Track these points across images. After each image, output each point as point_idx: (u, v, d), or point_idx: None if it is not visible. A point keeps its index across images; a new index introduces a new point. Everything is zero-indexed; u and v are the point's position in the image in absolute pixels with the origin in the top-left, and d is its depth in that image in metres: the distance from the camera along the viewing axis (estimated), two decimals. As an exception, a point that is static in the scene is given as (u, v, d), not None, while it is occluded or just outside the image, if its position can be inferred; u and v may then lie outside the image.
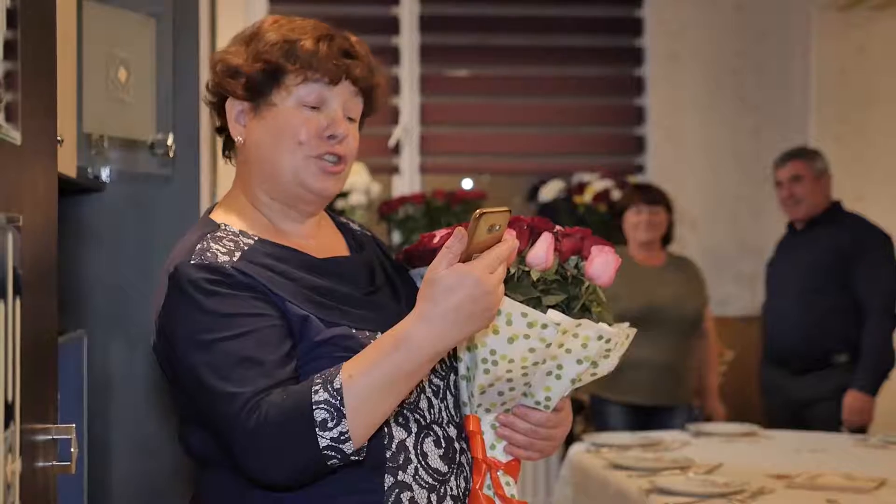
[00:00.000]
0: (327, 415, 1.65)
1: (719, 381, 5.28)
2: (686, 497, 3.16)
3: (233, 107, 1.93)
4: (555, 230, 1.90)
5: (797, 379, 4.82)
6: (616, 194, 5.68)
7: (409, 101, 5.92)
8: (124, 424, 2.97)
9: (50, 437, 1.60)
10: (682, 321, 4.93)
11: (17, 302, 1.40)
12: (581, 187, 5.85)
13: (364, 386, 1.66)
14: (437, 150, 6.02)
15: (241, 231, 1.90)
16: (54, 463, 1.62)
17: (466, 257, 1.69)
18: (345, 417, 1.65)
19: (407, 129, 5.93)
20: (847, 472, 3.44)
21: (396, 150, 5.94)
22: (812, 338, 4.77)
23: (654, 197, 5.03)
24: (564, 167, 6.04)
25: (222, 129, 1.98)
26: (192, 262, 1.80)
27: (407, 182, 5.96)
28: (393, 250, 5.38)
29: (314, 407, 1.65)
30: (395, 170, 5.96)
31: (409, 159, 5.96)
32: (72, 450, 1.62)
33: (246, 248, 1.86)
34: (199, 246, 1.83)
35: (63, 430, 1.63)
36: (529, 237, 1.87)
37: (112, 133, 2.81)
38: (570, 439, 4.33)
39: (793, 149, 5.05)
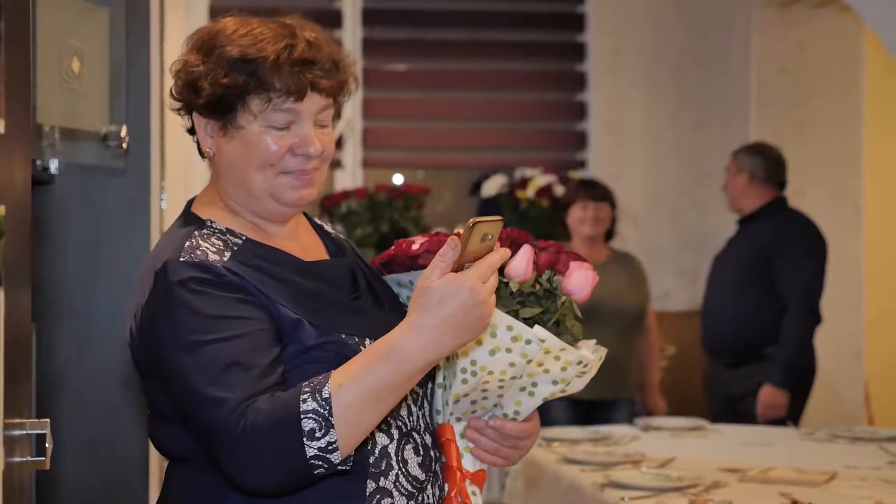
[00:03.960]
0: (315, 424, 1.62)
1: (660, 375, 5.34)
2: (641, 491, 3.17)
3: (200, 119, 1.88)
4: (533, 243, 1.89)
5: (731, 372, 4.89)
6: (559, 189, 5.70)
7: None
8: (72, 421, 2.94)
9: (25, 432, 1.60)
10: (625, 316, 4.98)
11: (1, 294, 1.40)
12: (524, 182, 5.86)
13: (353, 396, 1.64)
14: (380, 144, 6.01)
15: (227, 229, 1.87)
16: (28, 458, 1.63)
17: (458, 266, 1.68)
18: (333, 427, 1.62)
19: (349, 124, 5.90)
20: (797, 465, 3.48)
21: (339, 144, 5.90)
22: (740, 332, 4.85)
23: (599, 193, 5.08)
24: (507, 162, 6.06)
25: (193, 131, 1.92)
26: (181, 259, 1.76)
27: (349, 176, 5.94)
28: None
29: (302, 416, 1.63)
30: (337, 164, 5.93)
31: (351, 154, 5.94)
32: (46, 445, 1.64)
33: (235, 247, 1.83)
34: (188, 243, 1.79)
35: (38, 426, 1.64)
36: (509, 248, 1.85)
37: (64, 124, 2.77)
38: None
39: (744, 144, 5.16)
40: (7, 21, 1.46)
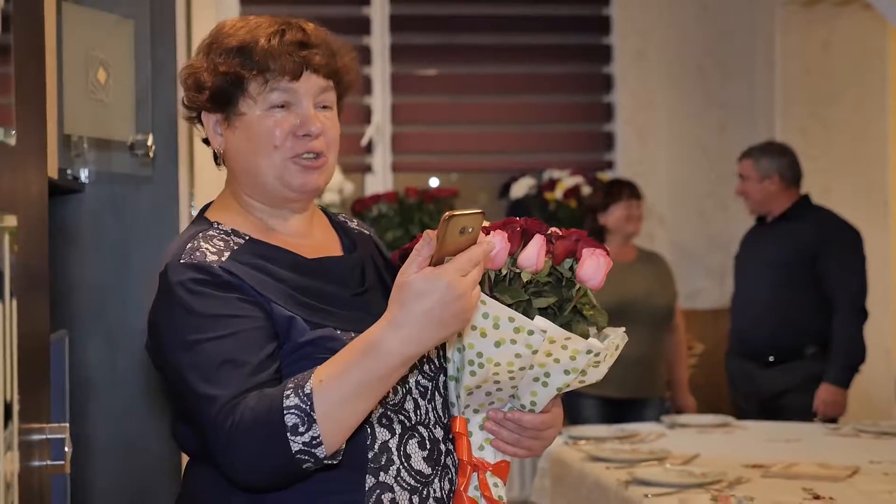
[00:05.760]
0: (298, 420, 1.64)
1: (689, 373, 5.35)
2: (664, 487, 3.19)
3: (208, 119, 1.93)
4: (548, 232, 1.87)
5: (767, 371, 4.88)
6: (586, 190, 5.72)
7: (380, 101, 5.96)
8: (106, 423, 2.97)
9: (44, 436, 1.61)
10: (653, 315, 5.00)
11: (14, 303, 1.41)
12: (552, 184, 5.91)
13: (335, 391, 1.65)
14: (410, 148, 6.06)
15: (232, 230, 1.91)
16: (48, 462, 1.63)
17: (438, 260, 1.66)
18: (315, 422, 1.64)
19: (379, 129, 5.97)
20: (821, 460, 3.49)
21: (369, 148, 5.98)
22: (783, 332, 4.83)
23: (638, 191, 5.13)
24: (535, 164, 6.11)
25: (208, 140, 1.97)
26: (181, 261, 1.80)
27: (380, 180, 6.00)
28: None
29: (285, 412, 1.64)
30: (367, 168, 6.00)
31: (381, 158, 6.00)
32: (66, 449, 1.63)
33: (236, 247, 1.86)
34: (189, 245, 1.84)
35: (57, 430, 1.63)
36: (521, 239, 1.84)
37: (91, 134, 2.81)
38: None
39: (754, 146, 5.12)
40: (17, 32, 1.47)
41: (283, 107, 1.88)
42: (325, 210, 2.09)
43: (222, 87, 1.87)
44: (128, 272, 2.98)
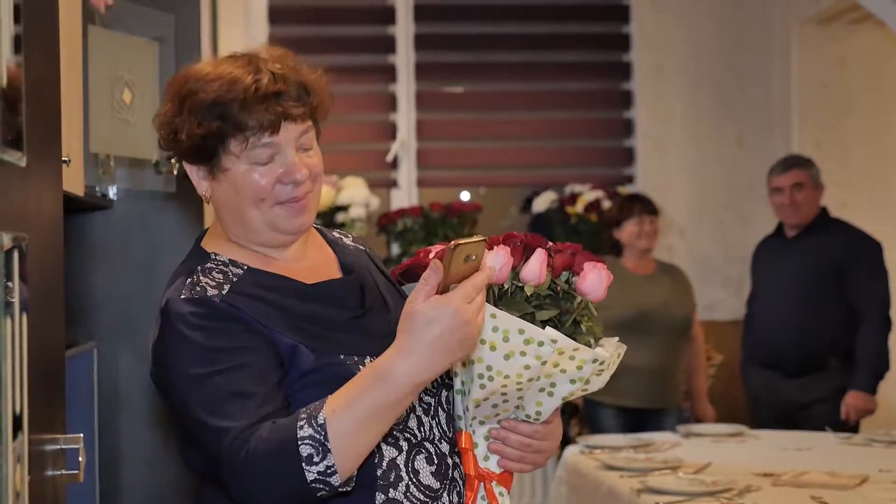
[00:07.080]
0: (312, 450, 1.66)
1: (708, 383, 5.37)
2: (675, 496, 3.23)
3: (189, 165, 1.92)
4: (547, 246, 1.91)
5: (790, 381, 4.89)
6: (606, 204, 5.77)
7: (406, 118, 6.04)
8: (133, 434, 3.04)
9: (58, 446, 1.67)
10: (672, 326, 5.03)
11: (24, 318, 1.45)
12: (573, 198, 5.97)
13: (347, 420, 1.68)
14: (434, 164, 6.14)
15: (230, 260, 1.92)
16: (63, 472, 1.69)
17: (444, 288, 1.70)
18: (330, 452, 1.67)
19: (404, 145, 6.05)
20: (831, 469, 3.52)
21: (394, 164, 6.06)
22: (809, 342, 4.85)
23: (652, 207, 5.14)
24: (557, 179, 6.17)
25: (185, 173, 1.96)
26: (182, 296, 1.81)
27: (405, 195, 6.08)
28: (392, 262, 5.43)
29: (300, 442, 1.67)
30: (393, 183, 6.08)
31: (406, 173, 6.08)
32: (79, 458, 1.69)
33: (235, 279, 1.87)
34: (189, 280, 1.85)
35: (71, 440, 1.69)
36: (523, 253, 1.88)
37: (118, 152, 2.87)
38: (566, 441, 4.43)
39: (791, 156, 5.13)
40: (29, 56, 1.49)
41: (267, 161, 1.87)
42: (318, 228, 2.10)
43: (202, 146, 1.86)
44: (155, 286, 2.94)
